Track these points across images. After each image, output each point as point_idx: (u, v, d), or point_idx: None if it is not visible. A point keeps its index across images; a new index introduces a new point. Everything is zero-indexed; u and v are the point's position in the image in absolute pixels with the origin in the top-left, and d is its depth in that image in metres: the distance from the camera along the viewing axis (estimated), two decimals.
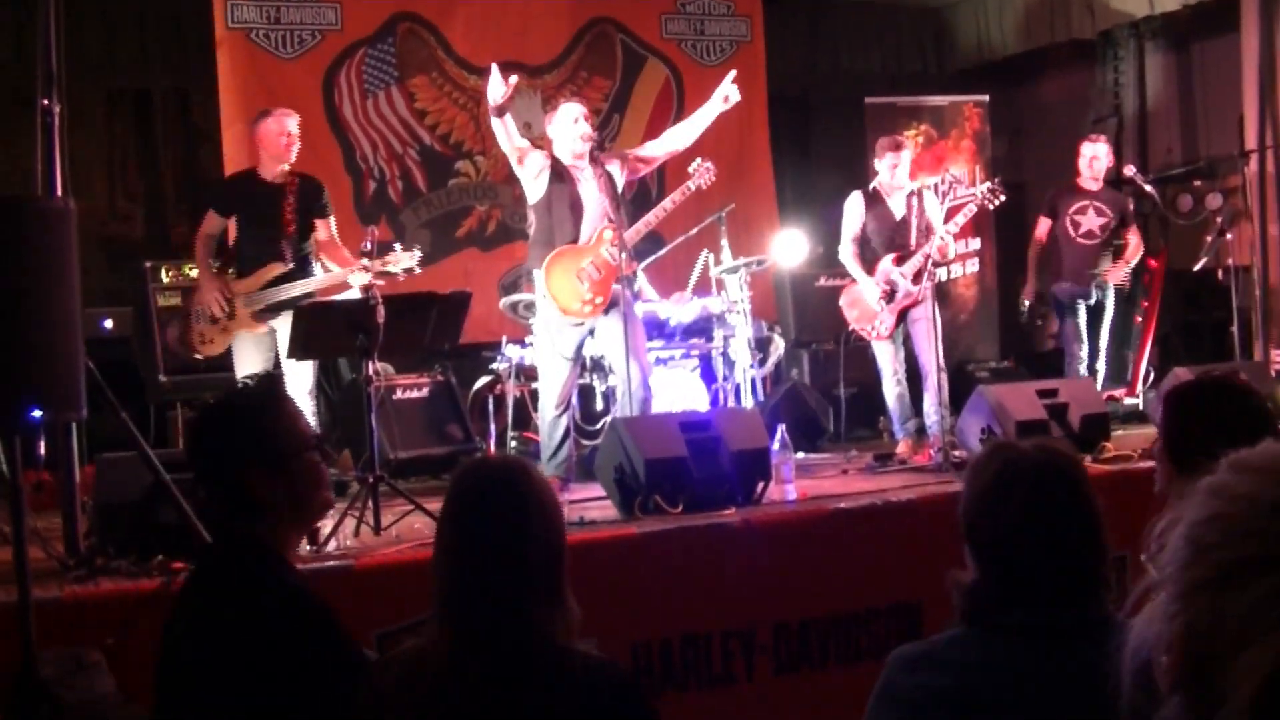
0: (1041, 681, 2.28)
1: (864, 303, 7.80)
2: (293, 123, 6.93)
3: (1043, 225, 9.01)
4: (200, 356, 7.11)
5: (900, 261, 7.65)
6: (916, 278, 7.55)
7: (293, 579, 2.81)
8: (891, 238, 7.78)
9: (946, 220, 7.71)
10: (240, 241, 7.10)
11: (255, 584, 2.71)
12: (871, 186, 7.97)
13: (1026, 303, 9.35)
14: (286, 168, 6.94)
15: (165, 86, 10.29)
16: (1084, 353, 8.83)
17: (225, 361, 7.09)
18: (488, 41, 9.91)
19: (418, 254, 6.58)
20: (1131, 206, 9.23)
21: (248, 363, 6.79)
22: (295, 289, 6.80)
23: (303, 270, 6.92)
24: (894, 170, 7.80)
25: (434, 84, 9.88)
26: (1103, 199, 8.91)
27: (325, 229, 7.03)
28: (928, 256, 7.48)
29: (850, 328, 8.03)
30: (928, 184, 8.01)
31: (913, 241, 7.64)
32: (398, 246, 6.64)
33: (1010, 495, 2.37)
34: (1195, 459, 3.06)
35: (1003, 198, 7.83)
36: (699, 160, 7.25)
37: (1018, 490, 2.37)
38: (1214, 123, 11.08)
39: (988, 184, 7.87)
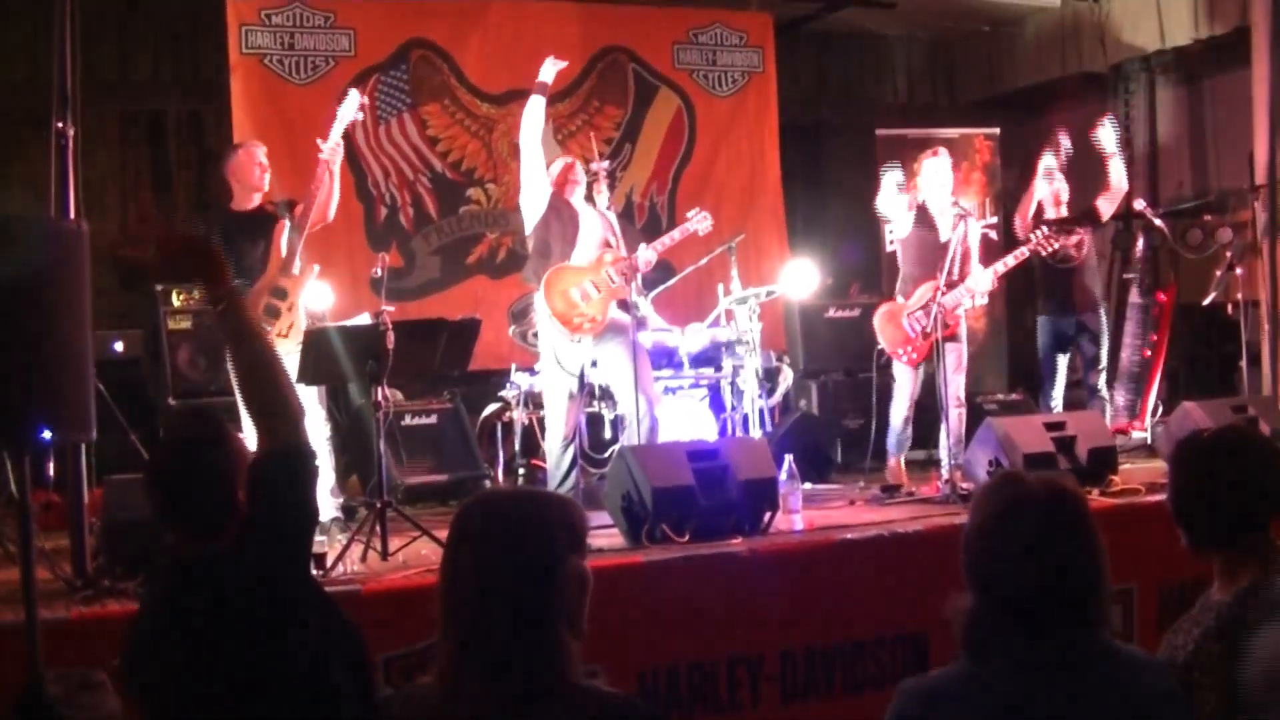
0: (1047, 713, 2.27)
1: (899, 323, 7.70)
2: (262, 153, 6.88)
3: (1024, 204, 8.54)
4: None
5: (944, 292, 7.36)
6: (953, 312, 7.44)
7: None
8: (932, 260, 7.53)
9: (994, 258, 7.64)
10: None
11: (295, 602, 2.76)
12: (920, 199, 7.83)
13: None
14: (259, 197, 6.87)
15: (179, 109, 10.32)
16: (1055, 392, 8.61)
17: (231, 386, 7.05)
18: (500, 69, 9.96)
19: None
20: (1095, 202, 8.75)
21: None
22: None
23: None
24: (936, 178, 7.71)
25: (446, 111, 9.92)
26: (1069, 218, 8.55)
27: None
28: (972, 292, 7.46)
29: (880, 348, 7.94)
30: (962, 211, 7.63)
31: (950, 268, 7.33)
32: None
33: (1016, 528, 2.36)
34: (1233, 532, 2.83)
35: (1056, 245, 7.83)
36: (697, 210, 7.57)
37: (1024, 524, 2.36)
38: (1224, 157, 11.07)
39: (1042, 229, 7.74)
